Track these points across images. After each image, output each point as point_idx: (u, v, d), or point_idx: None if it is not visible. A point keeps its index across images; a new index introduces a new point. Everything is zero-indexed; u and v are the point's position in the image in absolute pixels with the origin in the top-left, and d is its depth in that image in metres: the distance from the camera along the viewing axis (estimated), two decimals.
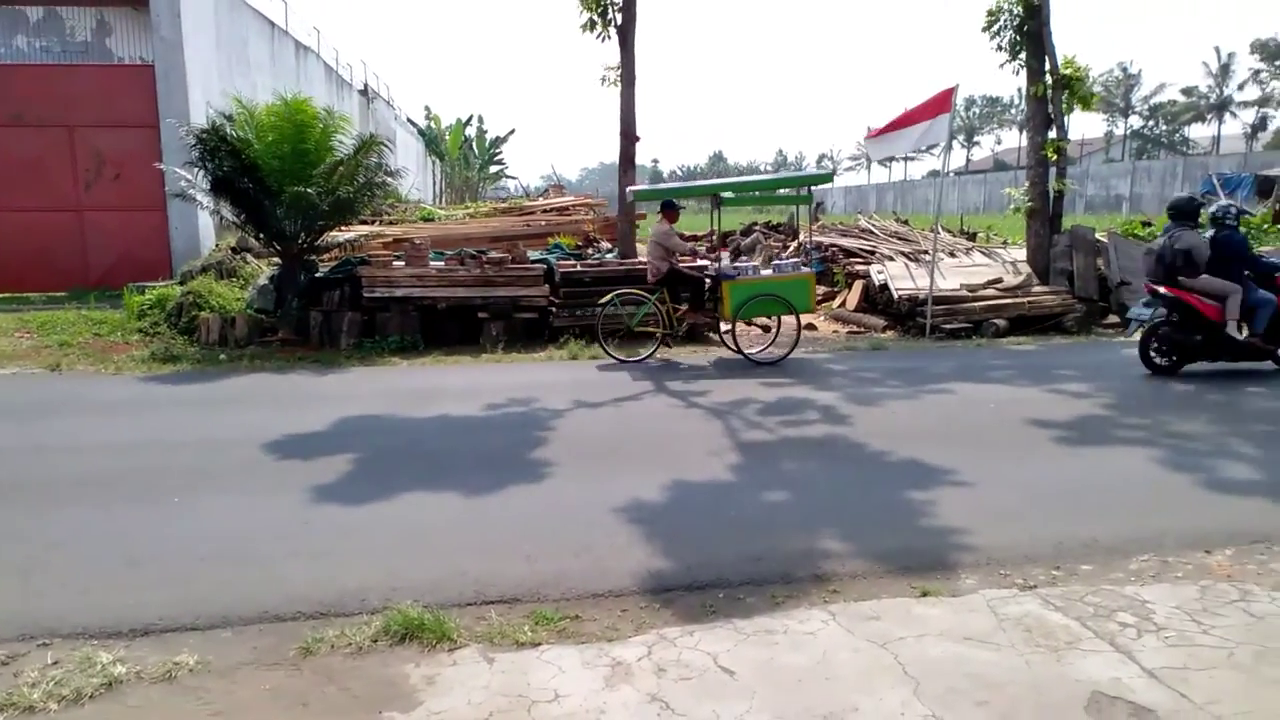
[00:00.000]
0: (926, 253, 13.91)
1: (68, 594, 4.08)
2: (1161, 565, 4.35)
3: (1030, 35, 12.94)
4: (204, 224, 14.81)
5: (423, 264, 11.59)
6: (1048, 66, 12.91)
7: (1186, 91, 71.44)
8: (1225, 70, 67.73)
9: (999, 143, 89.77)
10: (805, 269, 10.52)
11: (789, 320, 10.49)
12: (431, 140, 38.14)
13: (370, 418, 7.45)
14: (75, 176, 14.86)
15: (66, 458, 6.32)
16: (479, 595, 4.05)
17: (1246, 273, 8.69)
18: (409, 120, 38.08)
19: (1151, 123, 75.79)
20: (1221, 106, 68.74)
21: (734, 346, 10.21)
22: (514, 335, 11.25)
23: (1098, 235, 13.58)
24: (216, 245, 14.68)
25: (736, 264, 10.64)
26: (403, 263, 11.72)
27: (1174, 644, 3.51)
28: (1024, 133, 14.56)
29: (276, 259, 11.87)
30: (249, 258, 13.37)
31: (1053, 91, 12.92)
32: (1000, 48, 13.36)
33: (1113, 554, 4.48)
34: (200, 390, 8.67)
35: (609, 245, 15.09)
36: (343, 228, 13.12)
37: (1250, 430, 6.81)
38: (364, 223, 15.05)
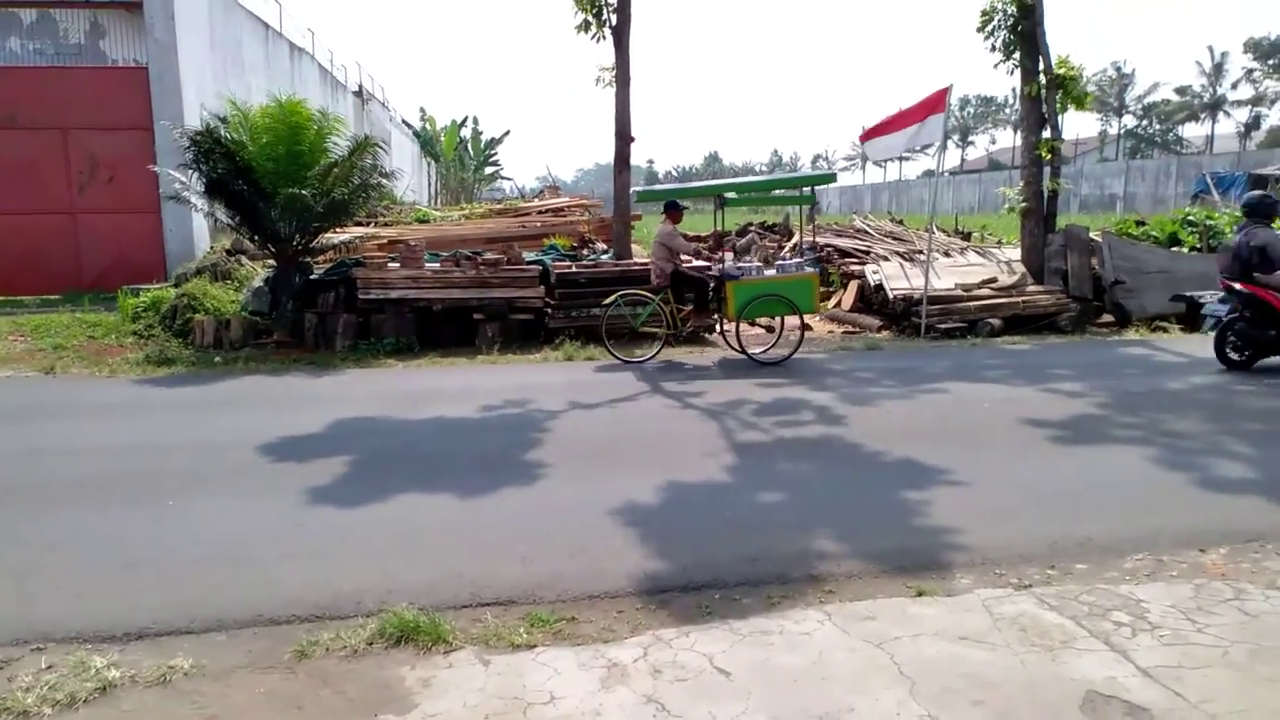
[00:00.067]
0: (921, 252, 13.93)
1: (62, 597, 4.06)
2: (1156, 564, 4.36)
3: (1024, 35, 12.96)
4: (198, 226, 14.78)
5: (418, 265, 11.58)
6: (1042, 66, 12.94)
7: (1180, 91, 71.71)
8: (1219, 69, 67.99)
9: (994, 142, 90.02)
10: (808, 269, 10.52)
11: (791, 320, 10.49)
12: (426, 141, 38.14)
13: (365, 420, 7.44)
14: (69, 179, 14.82)
15: (61, 461, 6.31)
16: (474, 597, 4.05)
17: None
18: (404, 122, 38.05)
19: (1145, 122, 76.02)
20: (1215, 106, 68.96)
21: (738, 347, 10.20)
22: (509, 337, 11.24)
23: (1092, 235, 13.59)
24: (211, 247, 14.65)
25: (740, 264, 10.62)
26: (398, 264, 11.70)
27: (1169, 643, 3.52)
28: (1018, 132, 14.58)
29: (271, 261, 11.85)
30: (244, 260, 13.34)
31: (1047, 91, 12.96)
32: (994, 48, 13.40)
33: (1107, 553, 4.49)
34: (195, 393, 8.65)
35: (604, 246, 15.09)
36: (338, 229, 13.11)
37: (1244, 429, 6.83)
38: (359, 224, 15.04)
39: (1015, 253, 14.13)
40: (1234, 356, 9.05)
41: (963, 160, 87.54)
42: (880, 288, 12.99)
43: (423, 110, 45.33)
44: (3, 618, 3.84)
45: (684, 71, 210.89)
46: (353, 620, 3.79)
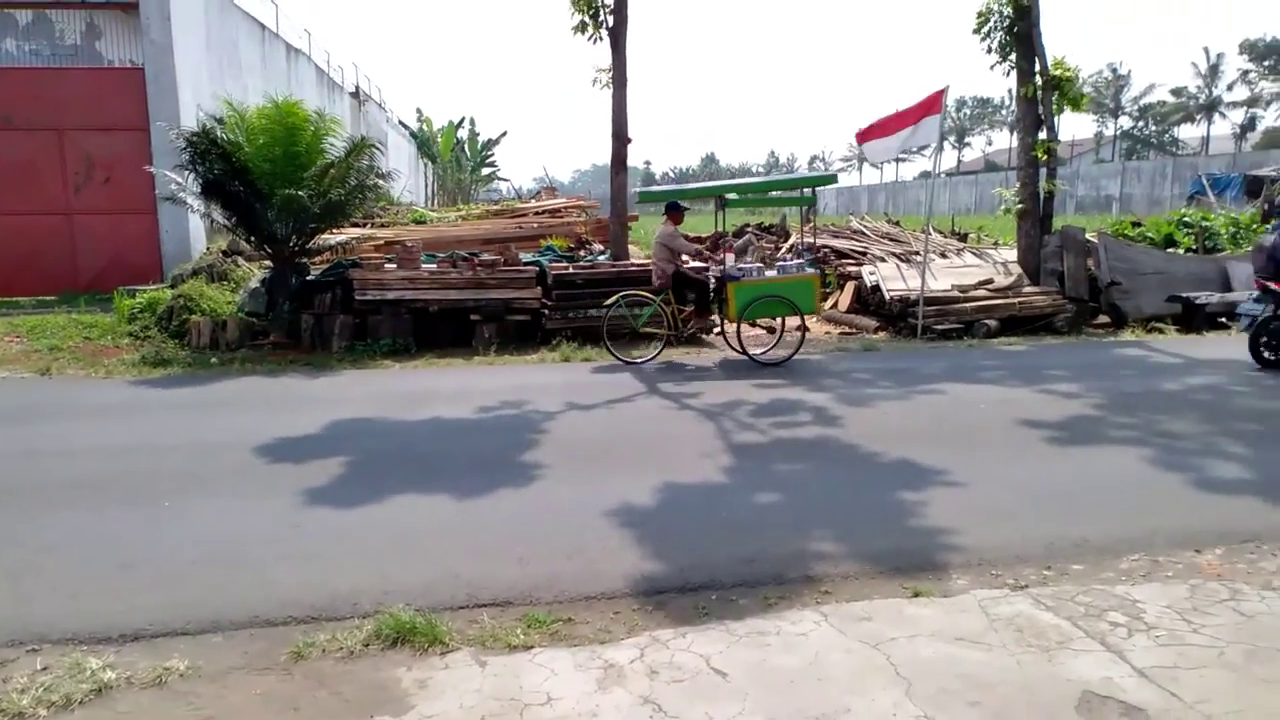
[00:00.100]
0: (918, 254, 13.95)
1: (58, 599, 4.06)
2: (1152, 565, 4.37)
3: (1020, 37, 13.00)
4: (195, 227, 14.77)
5: (415, 266, 11.57)
6: (1038, 68, 12.97)
7: (1176, 92, 71.85)
8: (1214, 71, 68.12)
9: (990, 144, 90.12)
10: (809, 270, 10.53)
11: (790, 320, 10.50)
12: (423, 142, 38.12)
13: (362, 421, 7.43)
14: (65, 180, 14.81)
15: (57, 462, 6.29)
16: (471, 598, 4.04)
17: None
18: (401, 122, 38.02)
19: (1141, 123, 76.15)
20: (1211, 107, 69.09)
21: (739, 348, 10.20)
22: (506, 338, 11.23)
23: (1088, 236, 13.63)
24: (207, 248, 14.63)
25: (741, 265, 10.62)
26: (394, 265, 11.70)
27: (1164, 643, 3.52)
28: (1015, 134, 14.62)
29: (268, 262, 11.84)
30: (240, 261, 13.33)
31: (1043, 93, 12.98)
32: (991, 49, 13.43)
33: (1103, 554, 4.50)
34: (191, 394, 8.63)
35: (601, 247, 15.08)
36: (334, 230, 13.08)
37: (1239, 429, 6.84)
38: (356, 225, 15.02)
39: (1011, 254, 14.15)
40: (1269, 356, 9.07)
41: (959, 161, 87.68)
42: (877, 289, 13.00)
43: (419, 111, 45.24)
44: None
45: (681, 73, 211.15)
46: (349, 621, 3.79)
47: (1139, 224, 16.38)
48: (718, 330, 11.52)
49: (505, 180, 45.10)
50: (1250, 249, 11.33)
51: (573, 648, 3.57)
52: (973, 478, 5.68)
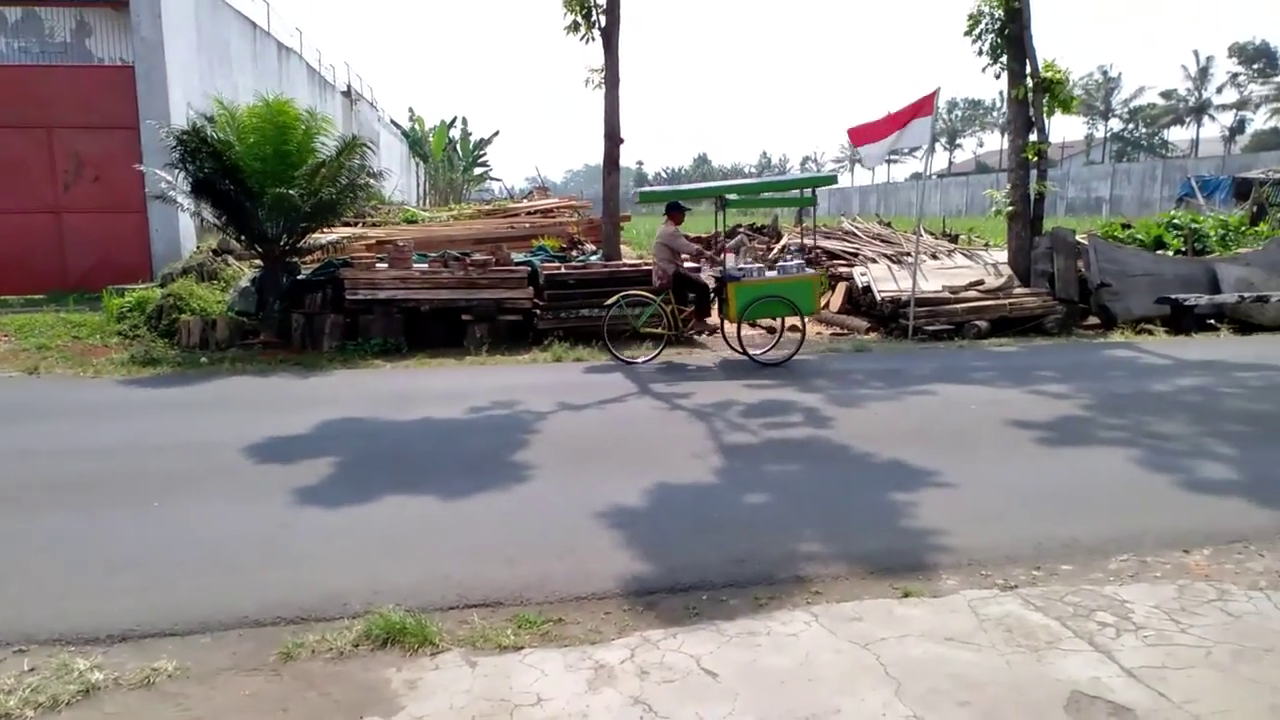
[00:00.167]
0: (909, 255, 13.99)
1: (45, 599, 4.03)
2: (1140, 565, 4.39)
3: (1011, 39, 13.04)
4: (185, 226, 14.69)
5: (406, 266, 11.55)
6: (1029, 70, 13.02)
7: (1166, 95, 72.28)
8: (1204, 74, 68.55)
9: (981, 145, 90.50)
10: (809, 270, 10.54)
11: (788, 320, 10.51)
12: (415, 142, 37.99)
13: (352, 421, 7.41)
14: (54, 178, 14.70)
15: (45, 462, 6.26)
16: (461, 599, 4.04)
17: None
18: (392, 122, 37.91)
19: (1131, 126, 76.54)
20: (1200, 109, 69.50)
21: (739, 348, 10.21)
22: (498, 338, 11.21)
23: (1078, 237, 13.69)
24: (197, 247, 14.56)
25: (741, 265, 10.63)
26: (386, 265, 11.67)
27: (1152, 643, 3.54)
28: (1005, 135, 14.65)
29: (258, 261, 11.79)
30: (230, 260, 13.28)
31: (1033, 95, 13.03)
32: (982, 51, 13.47)
33: (1092, 554, 4.52)
34: (180, 393, 8.59)
35: (593, 247, 15.08)
36: (325, 230, 13.06)
37: (1227, 431, 6.88)
38: (347, 225, 14.98)
39: (1002, 255, 14.20)
40: None
41: (950, 163, 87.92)
42: (868, 289, 13.03)
43: (411, 110, 45.11)
44: None
45: (673, 73, 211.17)
46: (339, 622, 3.78)
47: (1129, 226, 16.44)
48: (715, 331, 11.51)
49: (497, 180, 44.94)
50: None
51: (563, 648, 3.57)
52: (963, 478, 5.70)
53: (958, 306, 12.39)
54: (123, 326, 11.32)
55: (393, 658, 3.50)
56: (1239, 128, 68.46)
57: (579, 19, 13.40)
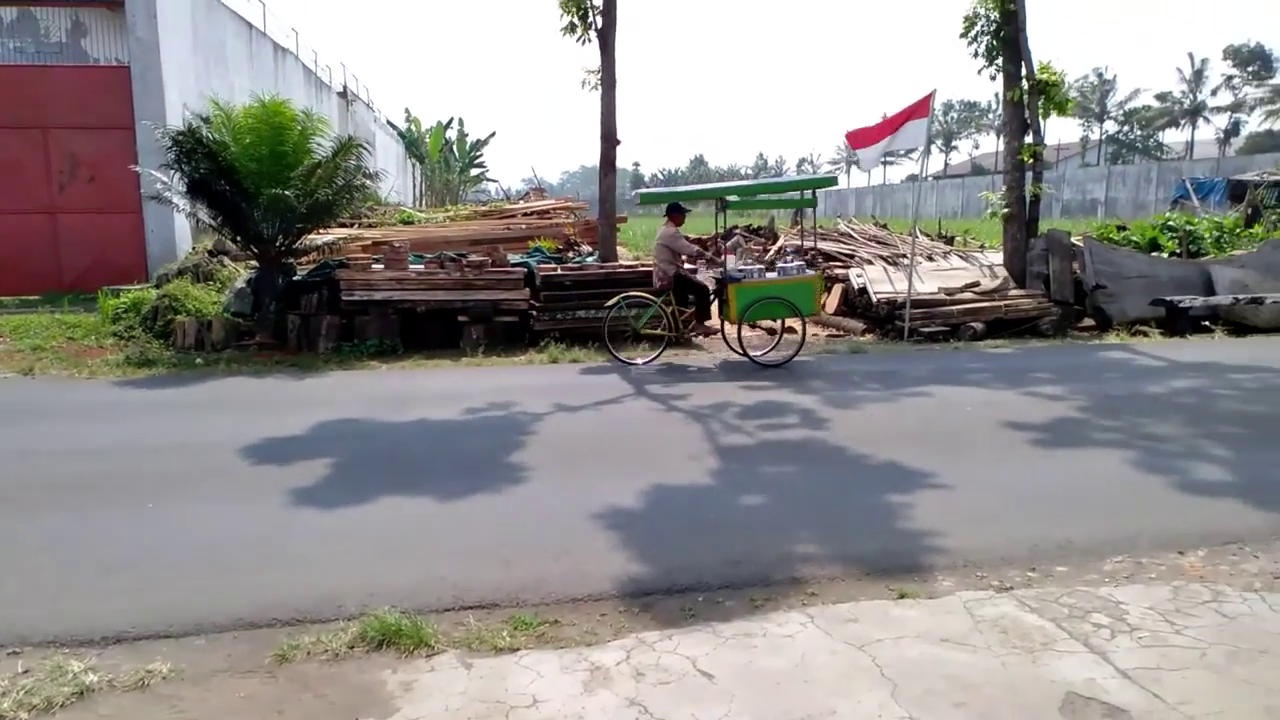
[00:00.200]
0: (905, 256, 14.01)
1: (40, 601, 4.02)
2: (1135, 566, 4.40)
3: (1007, 41, 13.06)
4: (180, 227, 14.67)
5: (402, 267, 11.53)
6: (1024, 72, 13.04)
7: (1161, 97, 72.45)
8: (1199, 76, 68.73)
9: (977, 147, 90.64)
10: (809, 272, 10.54)
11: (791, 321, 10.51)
12: (411, 143, 37.99)
13: (348, 422, 7.40)
14: (49, 178, 14.68)
15: (39, 463, 6.24)
16: (457, 600, 4.03)
17: None
18: (389, 123, 37.91)
19: (1126, 128, 76.72)
20: (1195, 112, 69.68)
21: (740, 350, 10.20)
22: (494, 339, 11.21)
23: (1073, 239, 13.71)
24: (193, 248, 14.54)
25: (742, 267, 10.63)
26: (382, 266, 11.66)
27: (1147, 645, 3.55)
28: (1001, 137, 14.69)
29: (254, 262, 11.77)
30: (226, 261, 13.25)
31: (1029, 97, 13.05)
32: (977, 54, 13.48)
33: (1087, 555, 4.53)
34: (176, 394, 8.58)
35: (590, 249, 15.09)
36: (321, 230, 13.03)
37: (1222, 432, 6.90)
38: (343, 225, 14.96)
39: (997, 257, 14.21)
40: None
41: (946, 165, 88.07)
42: (864, 291, 13.04)
43: (408, 111, 45.14)
44: None
45: (670, 75, 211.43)
46: (334, 624, 3.77)
47: (1124, 228, 16.48)
48: (716, 332, 11.51)
49: (494, 181, 44.93)
50: None
51: (559, 650, 3.57)
52: (958, 480, 5.70)
53: (953, 308, 12.41)
54: (118, 327, 11.29)
55: (388, 659, 3.49)
56: (1234, 130, 68.67)
57: (575, 20, 13.41)
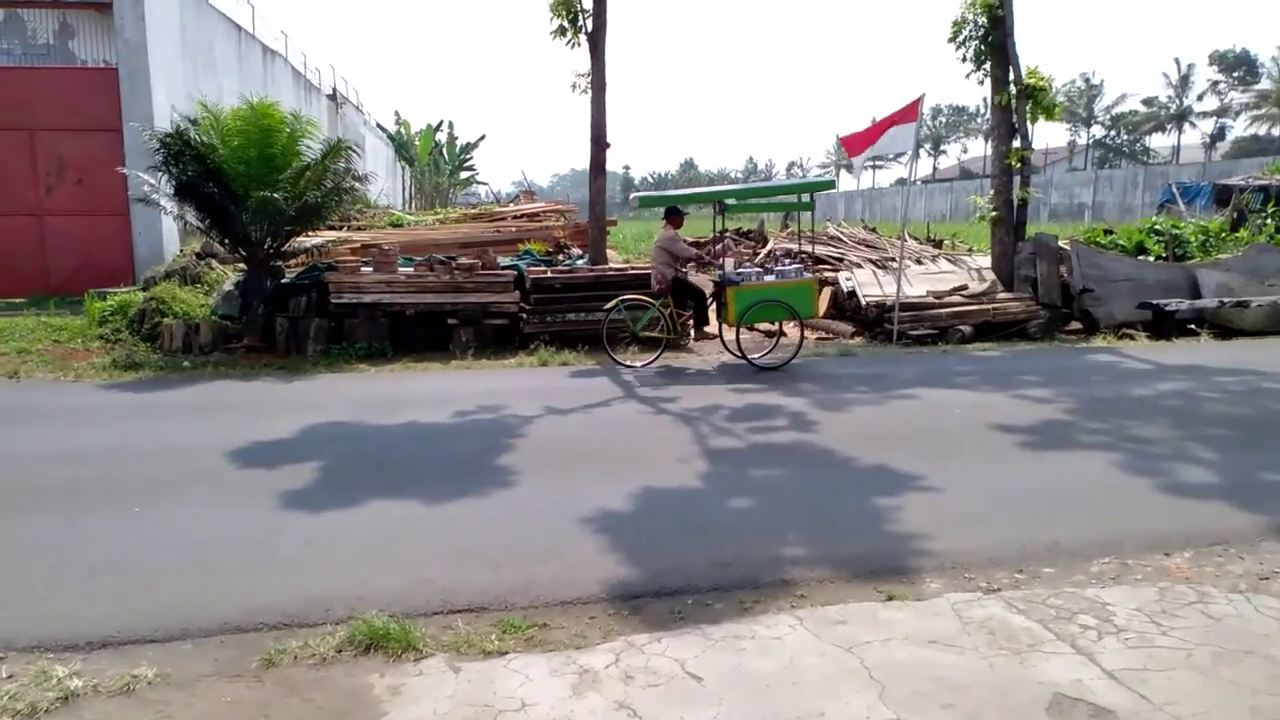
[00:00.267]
0: (894, 260, 14.05)
1: (24, 605, 3.99)
2: (1122, 568, 4.42)
3: (994, 46, 13.13)
4: (168, 229, 14.60)
5: (391, 270, 11.50)
6: (1012, 77, 13.11)
7: (1147, 102, 72.99)
8: (1185, 81, 69.31)
9: (965, 151, 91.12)
10: (807, 275, 10.56)
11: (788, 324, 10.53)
12: (401, 145, 37.89)
13: (337, 425, 7.37)
14: (36, 180, 14.60)
15: (25, 467, 6.19)
16: (446, 604, 4.02)
17: None
18: (378, 125, 37.80)
19: (1113, 132, 77.25)
20: (1181, 117, 70.24)
21: (738, 352, 10.20)
22: (484, 342, 11.19)
23: (1061, 243, 13.79)
24: (181, 251, 14.47)
25: (740, 269, 10.65)
26: (371, 268, 11.62)
27: (1134, 646, 3.56)
28: (989, 142, 14.75)
29: (242, 265, 11.72)
30: (214, 263, 13.19)
31: (1017, 101, 13.12)
32: (965, 58, 13.54)
33: (1074, 557, 4.55)
34: (163, 398, 8.53)
35: (580, 252, 15.07)
36: (310, 233, 12.98)
37: (1208, 434, 6.94)
38: (332, 228, 14.92)
39: (986, 260, 14.28)
40: None
41: (934, 169, 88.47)
42: (853, 294, 13.08)
43: (397, 114, 45.04)
44: None
45: (660, 78, 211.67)
46: (322, 628, 3.75)
47: (1111, 232, 16.57)
48: (715, 336, 11.51)
49: (483, 184, 44.91)
50: None
51: (547, 653, 3.56)
52: (946, 482, 5.72)
53: (942, 311, 12.46)
54: (105, 330, 11.22)
55: (376, 664, 3.48)
56: (1219, 135, 69.24)
57: (565, 24, 13.40)
